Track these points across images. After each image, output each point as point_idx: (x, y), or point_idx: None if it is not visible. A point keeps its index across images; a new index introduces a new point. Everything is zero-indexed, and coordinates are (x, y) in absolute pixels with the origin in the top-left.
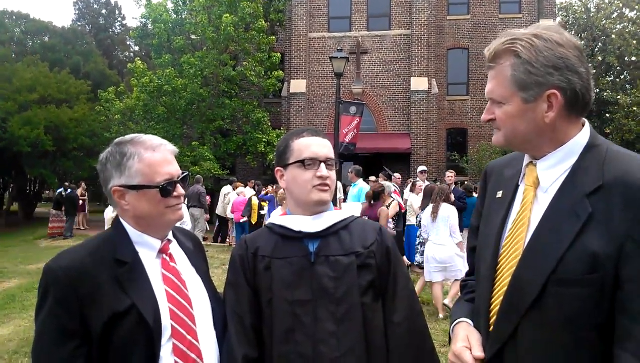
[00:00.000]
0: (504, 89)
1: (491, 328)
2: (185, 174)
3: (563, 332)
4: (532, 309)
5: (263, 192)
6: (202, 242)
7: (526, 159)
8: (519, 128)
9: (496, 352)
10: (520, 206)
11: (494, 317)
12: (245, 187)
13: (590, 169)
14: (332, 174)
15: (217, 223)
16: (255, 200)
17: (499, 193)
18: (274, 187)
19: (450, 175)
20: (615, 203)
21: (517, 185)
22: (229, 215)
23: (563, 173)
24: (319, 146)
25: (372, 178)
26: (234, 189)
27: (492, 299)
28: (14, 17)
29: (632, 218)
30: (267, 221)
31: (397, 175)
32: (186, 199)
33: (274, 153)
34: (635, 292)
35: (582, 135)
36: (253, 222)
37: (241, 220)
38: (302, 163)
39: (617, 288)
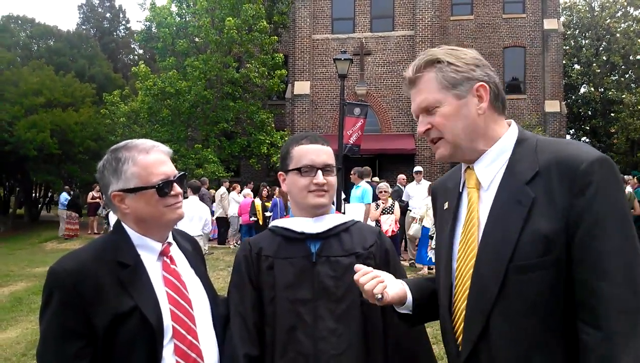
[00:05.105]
0: (435, 93)
1: (459, 333)
2: (182, 173)
3: (530, 319)
4: (498, 302)
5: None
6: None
7: (463, 166)
8: (458, 127)
9: (470, 352)
10: (467, 209)
11: (461, 322)
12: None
13: (525, 160)
14: (331, 179)
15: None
16: (258, 202)
17: (446, 205)
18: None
19: (403, 177)
20: (554, 183)
21: (460, 193)
22: (230, 215)
23: (500, 169)
24: (317, 154)
25: (376, 179)
26: (233, 189)
27: (455, 306)
28: (20, 22)
29: (570, 190)
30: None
31: (401, 176)
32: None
33: (279, 155)
34: (588, 259)
35: (511, 132)
36: (260, 223)
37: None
38: (299, 170)
39: (571, 262)
